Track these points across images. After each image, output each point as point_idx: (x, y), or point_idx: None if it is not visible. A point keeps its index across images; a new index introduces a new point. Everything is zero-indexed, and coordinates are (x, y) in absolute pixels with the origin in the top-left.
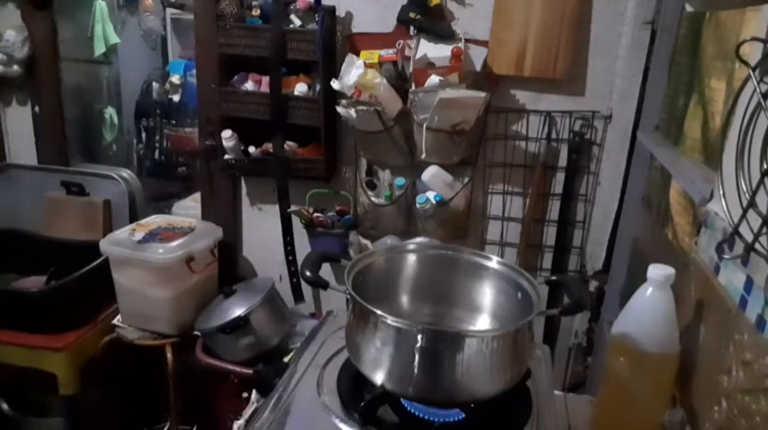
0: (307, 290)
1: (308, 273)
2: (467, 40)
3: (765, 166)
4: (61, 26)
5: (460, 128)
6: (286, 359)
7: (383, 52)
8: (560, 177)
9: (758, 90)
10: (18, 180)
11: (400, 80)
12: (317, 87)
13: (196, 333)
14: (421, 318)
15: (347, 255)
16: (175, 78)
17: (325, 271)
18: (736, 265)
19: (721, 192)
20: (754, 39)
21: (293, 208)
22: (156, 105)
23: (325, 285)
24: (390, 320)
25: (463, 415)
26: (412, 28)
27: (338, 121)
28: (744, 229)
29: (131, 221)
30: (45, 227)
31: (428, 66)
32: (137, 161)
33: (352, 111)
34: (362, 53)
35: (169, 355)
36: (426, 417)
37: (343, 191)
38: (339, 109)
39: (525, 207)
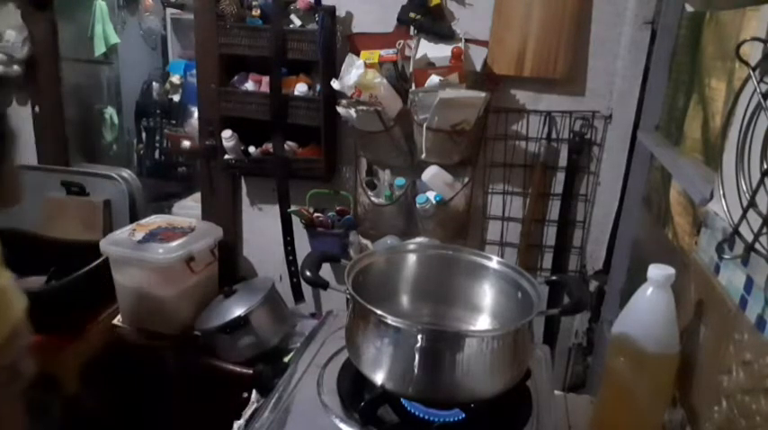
0: (307, 290)
1: (308, 273)
2: (467, 40)
3: (765, 166)
4: (61, 26)
5: (460, 128)
6: (286, 359)
7: (383, 52)
8: (560, 177)
9: (758, 90)
10: None
11: (400, 80)
12: (317, 87)
13: (196, 333)
14: (421, 317)
15: (347, 255)
16: (175, 78)
17: (326, 271)
18: (736, 265)
19: (721, 192)
20: (754, 39)
21: (293, 208)
22: (156, 105)
23: (325, 285)
24: (390, 320)
25: (463, 415)
26: (412, 28)
27: (338, 121)
28: (744, 229)
29: (131, 221)
30: (45, 227)
31: (428, 66)
32: (137, 161)
33: (352, 112)
34: (362, 53)
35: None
36: (426, 417)
37: (343, 191)
38: (339, 109)
39: (525, 207)
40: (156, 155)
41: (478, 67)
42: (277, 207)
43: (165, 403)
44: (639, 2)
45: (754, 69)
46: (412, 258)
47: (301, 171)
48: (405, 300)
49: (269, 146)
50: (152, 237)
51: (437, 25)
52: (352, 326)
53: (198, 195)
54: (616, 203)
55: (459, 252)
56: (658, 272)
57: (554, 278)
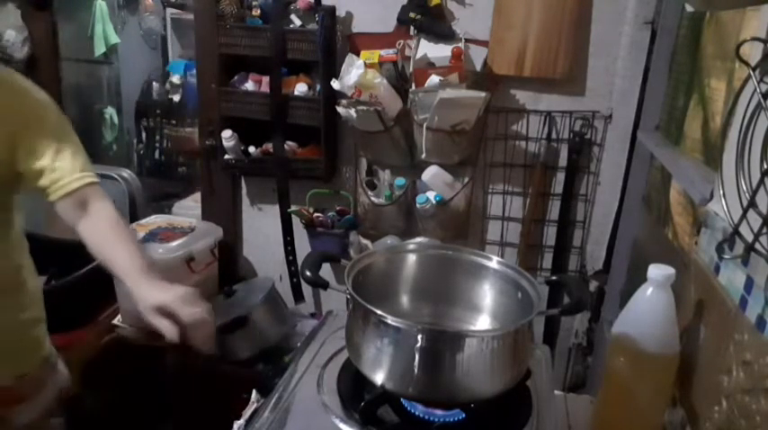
0: (307, 290)
1: (308, 273)
2: (467, 40)
3: (765, 166)
4: (61, 26)
5: (460, 128)
6: (286, 359)
7: (383, 52)
8: (560, 177)
9: (758, 90)
10: None
11: (400, 80)
12: (317, 87)
13: None
14: (421, 317)
15: (347, 255)
16: (175, 78)
17: (326, 271)
18: (736, 265)
19: (721, 192)
20: (754, 39)
21: (293, 208)
22: (156, 105)
23: (325, 285)
24: (390, 320)
25: (463, 415)
26: (412, 28)
27: (338, 121)
28: (744, 229)
29: (131, 221)
30: (45, 227)
31: (428, 66)
32: (137, 161)
33: (352, 111)
34: (362, 53)
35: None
36: (426, 417)
37: (343, 191)
38: (339, 109)
39: (525, 207)
40: (156, 155)
41: (478, 67)
42: (277, 207)
43: (165, 403)
44: (639, 2)
45: (754, 69)
46: (412, 258)
47: (301, 171)
48: (405, 299)
49: (269, 146)
50: (152, 236)
51: (437, 25)
52: (352, 326)
53: (198, 195)
54: (616, 203)
55: (459, 252)
56: (658, 272)
57: (554, 278)
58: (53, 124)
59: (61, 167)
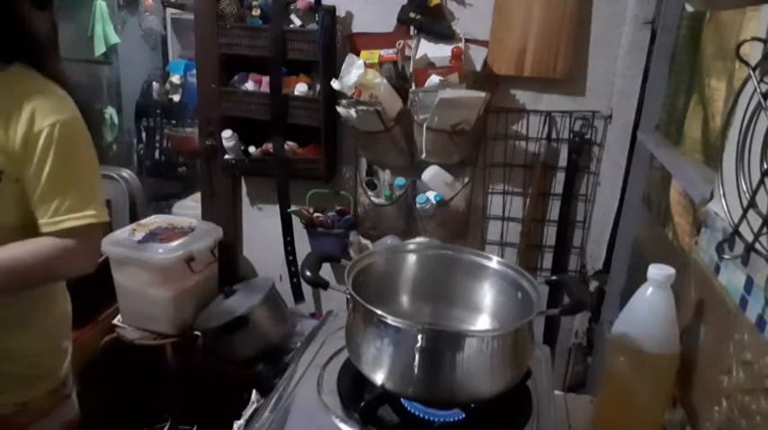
0: (307, 290)
1: (308, 273)
2: (467, 40)
3: (765, 166)
4: (61, 26)
5: (461, 128)
6: (286, 359)
7: (383, 52)
8: (560, 177)
9: (758, 90)
10: None
11: (400, 80)
12: (317, 87)
13: (196, 333)
14: (421, 317)
15: (347, 255)
16: (175, 78)
17: (326, 271)
18: (736, 265)
19: (721, 192)
20: (754, 39)
21: (293, 208)
22: (156, 105)
23: (326, 285)
24: (390, 320)
25: (463, 415)
26: (412, 28)
27: (338, 121)
28: (744, 229)
29: (131, 221)
30: None
31: (428, 66)
32: (137, 161)
33: (352, 112)
34: (362, 53)
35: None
36: (426, 417)
37: (343, 191)
38: (339, 109)
39: (525, 207)
40: (156, 155)
41: (478, 67)
42: (277, 207)
43: (164, 403)
44: (639, 2)
45: (754, 69)
46: (412, 258)
47: (301, 171)
48: (405, 299)
49: (269, 146)
50: (152, 237)
51: (437, 25)
52: (352, 326)
53: (198, 195)
54: (616, 203)
55: (459, 252)
56: (658, 272)
57: (554, 278)
58: (62, 153)
59: (52, 205)
